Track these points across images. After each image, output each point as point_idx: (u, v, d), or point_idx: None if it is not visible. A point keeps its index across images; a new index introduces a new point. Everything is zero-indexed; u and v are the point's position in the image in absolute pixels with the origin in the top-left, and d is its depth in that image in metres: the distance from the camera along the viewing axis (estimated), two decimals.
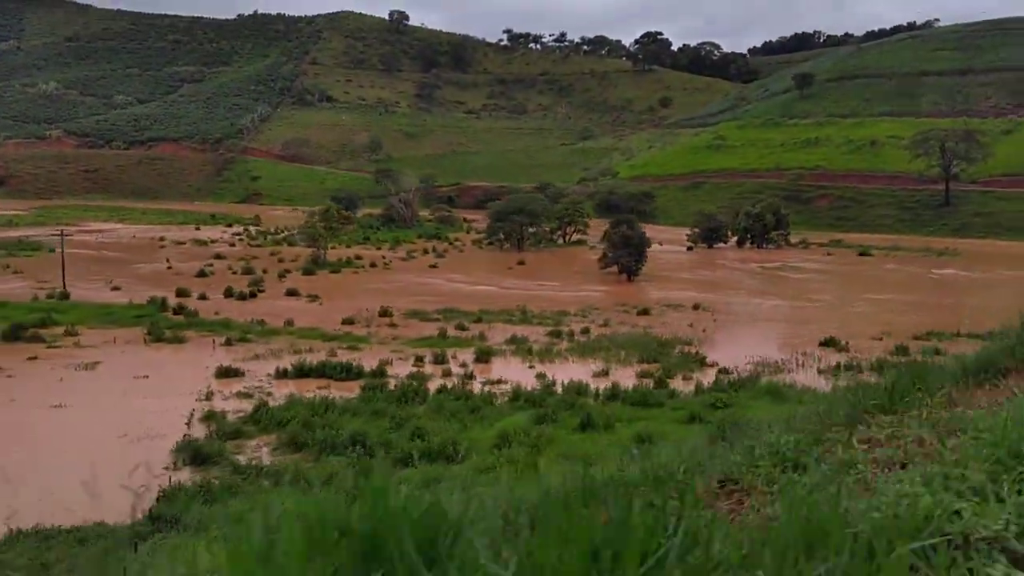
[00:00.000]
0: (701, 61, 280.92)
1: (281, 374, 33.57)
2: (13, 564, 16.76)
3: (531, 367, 35.65)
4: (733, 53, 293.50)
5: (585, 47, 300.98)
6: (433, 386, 31.49)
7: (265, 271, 65.66)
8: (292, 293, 55.42)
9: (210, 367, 34.70)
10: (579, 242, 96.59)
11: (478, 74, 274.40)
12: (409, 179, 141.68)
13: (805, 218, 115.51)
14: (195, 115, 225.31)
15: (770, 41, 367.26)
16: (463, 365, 35.72)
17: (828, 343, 40.36)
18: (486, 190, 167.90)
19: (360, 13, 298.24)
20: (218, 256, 75.96)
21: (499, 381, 32.66)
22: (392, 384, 31.41)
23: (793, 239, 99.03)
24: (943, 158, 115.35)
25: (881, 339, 41.89)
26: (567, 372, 33.91)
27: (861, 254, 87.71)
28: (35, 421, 27.27)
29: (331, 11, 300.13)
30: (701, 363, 36.25)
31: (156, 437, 26.26)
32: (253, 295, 53.99)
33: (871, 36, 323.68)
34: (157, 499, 20.28)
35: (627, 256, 62.89)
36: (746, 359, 36.35)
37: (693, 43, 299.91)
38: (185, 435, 26.26)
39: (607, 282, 65.40)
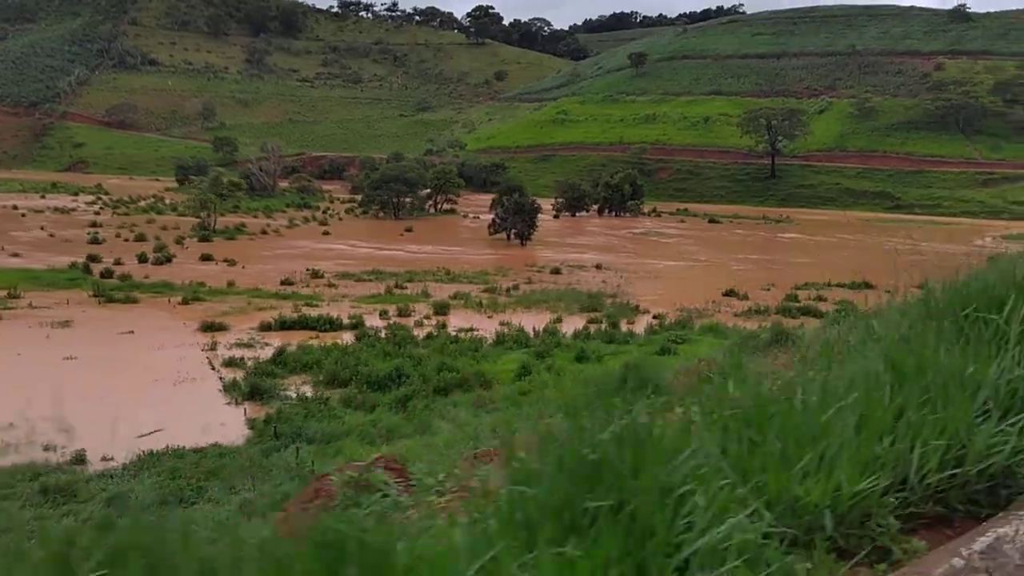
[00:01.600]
0: (532, 36, 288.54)
1: (266, 327, 35.44)
2: (183, 471, 18.93)
3: (489, 317, 39.25)
4: (563, 31, 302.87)
5: (417, 17, 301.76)
6: (417, 333, 34.53)
7: (157, 238, 64.90)
8: (206, 258, 55.82)
9: (187, 324, 36.03)
10: (450, 211, 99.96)
11: (310, 41, 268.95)
12: (261, 149, 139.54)
13: (648, 189, 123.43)
14: (4, 76, 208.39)
15: (590, 19, 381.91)
16: (426, 317, 38.80)
17: (729, 293, 46.37)
18: (332, 160, 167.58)
19: None
20: (94, 224, 73.67)
21: (471, 329, 36.06)
22: (383, 333, 34.16)
23: (644, 208, 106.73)
24: (769, 135, 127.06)
25: (769, 289, 48.43)
26: (524, 320, 37.73)
27: (710, 221, 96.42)
28: (59, 372, 28.06)
29: None
30: (635, 310, 41.09)
31: (191, 380, 28.06)
32: (168, 260, 54.02)
33: (683, 18, 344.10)
34: (266, 421, 22.67)
35: (520, 222, 67.06)
36: (669, 307, 41.52)
37: (524, 19, 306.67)
38: (220, 377, 28.28)
39: (501, 247, 69.45)
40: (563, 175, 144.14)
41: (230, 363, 29.70)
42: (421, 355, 30.15)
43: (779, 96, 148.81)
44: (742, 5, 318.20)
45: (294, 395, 26.16)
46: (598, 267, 56.71)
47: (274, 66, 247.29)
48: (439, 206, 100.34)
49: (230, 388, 26.73)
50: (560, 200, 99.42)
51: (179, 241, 63.89)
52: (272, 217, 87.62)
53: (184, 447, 20.70)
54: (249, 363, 29.55)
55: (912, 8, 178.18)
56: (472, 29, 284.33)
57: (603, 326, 36.77)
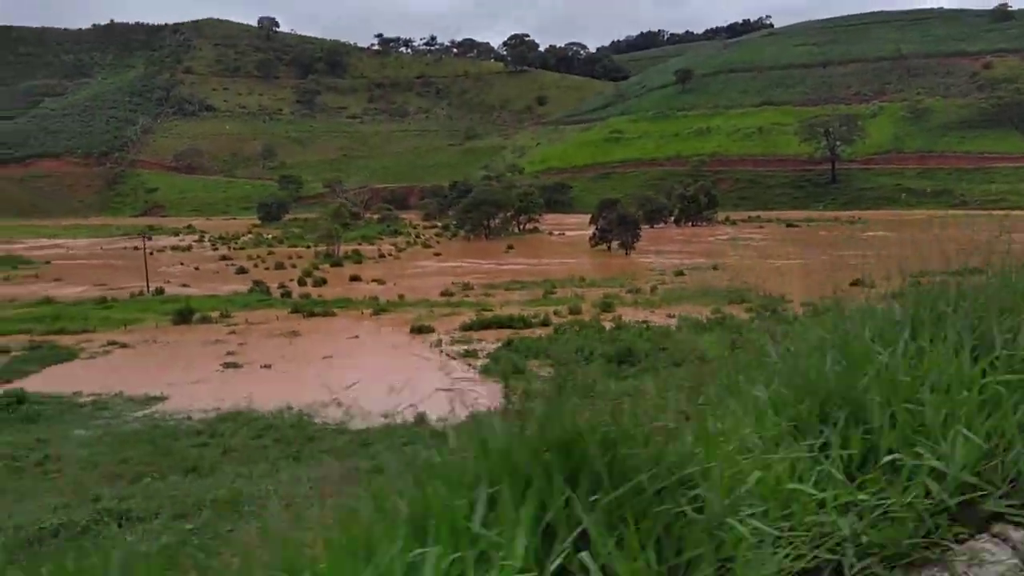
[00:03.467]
0: (570, 61, 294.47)
1: (467, 327, 40.25)
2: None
3: (652, 311, 43.73)
4: (598, 53, 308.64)
5: (455, 50, 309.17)
6: (607, 325, 39.13)
7: (294, 265, 70.39)
8: (355, 279, 60.96)
9: (394, 329, 40.94)
10: (533, 230, 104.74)
11: (355, 79, 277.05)
12: (323, 184, 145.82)
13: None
14: (72, 129, 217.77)
15: (618, 40, 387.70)
16: (597, 314, 43.34)
17: (856, 283, 50.30)
18: (393, 191, 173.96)
19: (226, 20, 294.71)
20: (224, 258, 79.51)
21: (645, 321, 40.57)
22: (576, 327, 38.81)
23: (718, 217, 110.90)
24: (827, 141, 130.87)
25: (888, 279, 52.32)
26: (684, 312, 42.17)
27: (788, 226, 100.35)
28: (334, 366, 32.98)
29: (195, 18, 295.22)
30: (781, 300, 45.29)
31: (446, 367, 32.82)
32: (324, 282, 59.23)
33: (710, 32, 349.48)
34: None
35: (625, 233, 71.66)
36: (806, 297, 45.66)
37: (559, 44, 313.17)
38: (468, 364, 33.04)
39: (608, 256, 74.14)
40: (624, 191, 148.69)
41: (466, 354, 34.46)
42: (629, 339, 34.68)
43: (829, 103, 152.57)
44: (769, 18, 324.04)
45: (544, 373, 30.76)
46: (715, 268, 61.03)
47: (324, 105, 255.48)
48: (522, 226, 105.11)
49: (486, 370, 31.45)
50: (639, 212, 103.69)
51: (315, 267, 69.14)
52: (374, 243, 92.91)
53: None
54: (481, 354, 34.28)
55: (954, 10, 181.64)
56: (509, 57, 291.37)
57: (762, 314, 41.02)
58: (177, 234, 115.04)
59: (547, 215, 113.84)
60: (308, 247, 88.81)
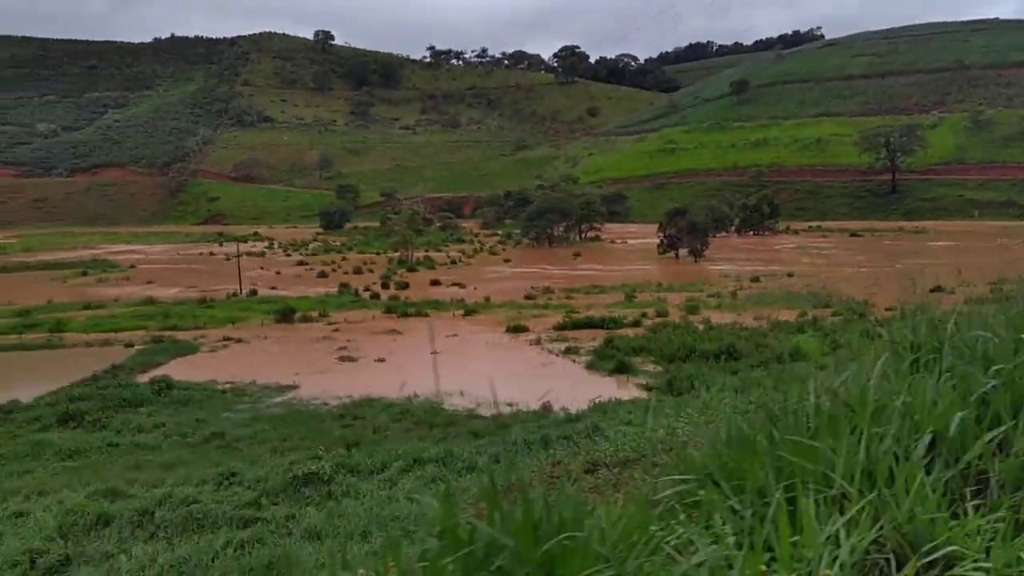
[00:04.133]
0: (620, 72, 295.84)
1: (561, 327, 41.83)
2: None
3: (739, 314, 44.88)
4: (649, 64, 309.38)
5: (506, 61, 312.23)
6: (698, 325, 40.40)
7: (370, 270, 72.64)
8: (435, 283, 62.93)
9: (489, 328, 42.63)
10: (595, 238, 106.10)
11: (408, 90, 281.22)
12: (380, 193, 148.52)
13: None
14: (135, 140, 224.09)
15: (666, 52, 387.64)
16: (684, 316, 44.62)
17: (936, 289, 50.97)
18: (447, 200, 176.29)
19: (284, 34, 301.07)
20: (301, 263, 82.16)
21: (734, 322, 41.77)
22: (670, 328, 40.17)
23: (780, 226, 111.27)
24: (888, 151, 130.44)
25: (964, 286, 52.84)
26: (776, 314, 43.25)
27: (852, 235, 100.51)
28: (442, 361, 34.73)
29: (253, 32, 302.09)
30: (865, 304, 46.16)
31: (550, 363, 34.38)
32: (407, 285, 61.26)
33: (760, 44, 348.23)
34: (669, 382, 28.71)
35: (695, 240, 72.79)
36: (886, 302, 46.38)
37: (611, 56, 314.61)
38: (574, 360, 34.54)
39: (677, 263, 75.31)
40: (680, 201, 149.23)
41: (567, 351, 36.01)
42: (728, 338, 35.96)
43: (888, 114, 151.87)
44: (820, 29, 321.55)
45: (649, 368, 32.22)
46: (790, 275, 61.89)
47: (377, 116, 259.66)
48: (584, 234, 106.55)
49: (592, 365, 32.96)
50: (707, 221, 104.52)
51: (393, 271, 71.27)
52: (440, 250, 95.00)
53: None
54: (582, 351, 35.80)
55: (1015, 20, 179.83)
56: (559, 69, 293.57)
57: (847, 318, 42.01)
58: (245, 240, 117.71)
59: (605, 224, 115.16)
60: (378, 253, 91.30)
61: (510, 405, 27.25)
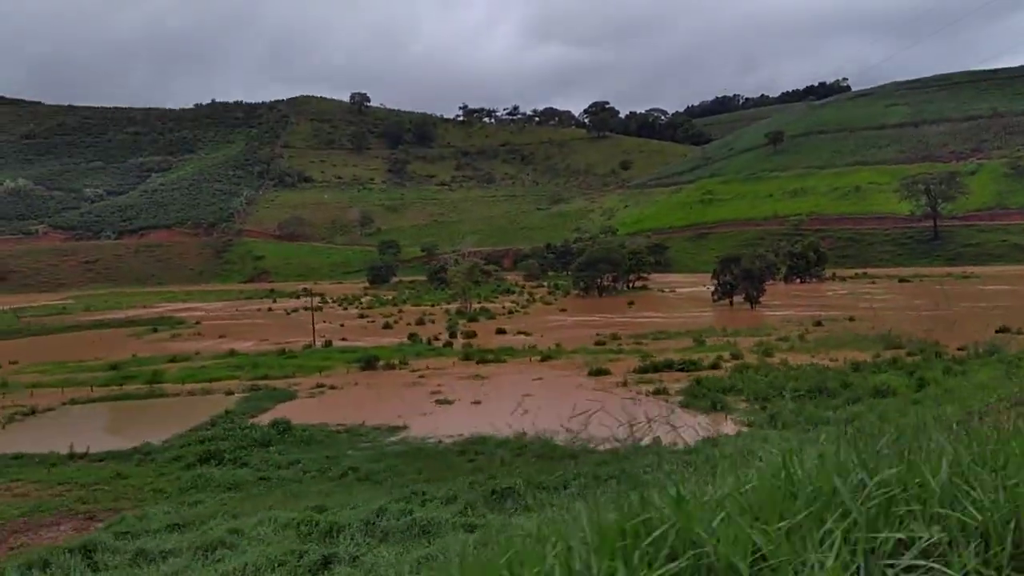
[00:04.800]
0: (651, 126, 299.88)
1: (642, 369, 43.12)
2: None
3: (812, 356, 45.96)
4: (677, 117, 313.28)
5: (537, 118, 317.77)
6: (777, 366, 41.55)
7: (432, 321, 74.46)
8: (501, 331, 64.51)
9: (570, 372, 44.02)
10: (643, 287, 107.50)
11: (442, 148, 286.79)
12: (421, 249, 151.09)
13: None
14: (180, 202, 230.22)
15: (692, 105, 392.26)
16: (760, 358, 45.75)
17: (1001, 330, 51.80)
18: (486, 254, 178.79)
19: (321, 97, 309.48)
20: (361, 315, 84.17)
21: (811, 363, 42.86)
22: (753, 369, 41.35)
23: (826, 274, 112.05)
24: (928, 198, 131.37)
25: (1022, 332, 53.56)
26: (849, 356, 44.27)
27: (900, 281, 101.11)
28: (535, 402, 36.13)
29: (291, 96, 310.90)
30: (936, 344, 47.06)
31: (642, 401, 35.60)
32: (474, 334, 62.88)
33: (786, 97, 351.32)
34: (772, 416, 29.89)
35: (751, 287, 74.01)
36: (953, 343, 47.23)
37: (640, 110, 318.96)
38: (665, 399, 35.76)
39: (732, 310, 76.43)
40: (722, 251, 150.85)
41: (656, 392, 37.29)
42: (815, 377, 37.10)
43: (925, 161, 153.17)
44: (846, 80, 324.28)
45: (742, 407, 33.42)
46: (850, 319, 62.82)
47: (413, 173, 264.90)
48: (631, 284, 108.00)
49: (685, 404, 34.22)
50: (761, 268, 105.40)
51: (456, 322, 73.00)
52: (493, 301, 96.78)
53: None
54: (671, 391, 37.08)
55: None
56: (589, 124, 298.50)
57: (916, 357, 42.95)
58: (297, 297, 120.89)
59: (651, 274, 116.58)
60: (432, 305, 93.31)
61: (617, 440, 28.52)
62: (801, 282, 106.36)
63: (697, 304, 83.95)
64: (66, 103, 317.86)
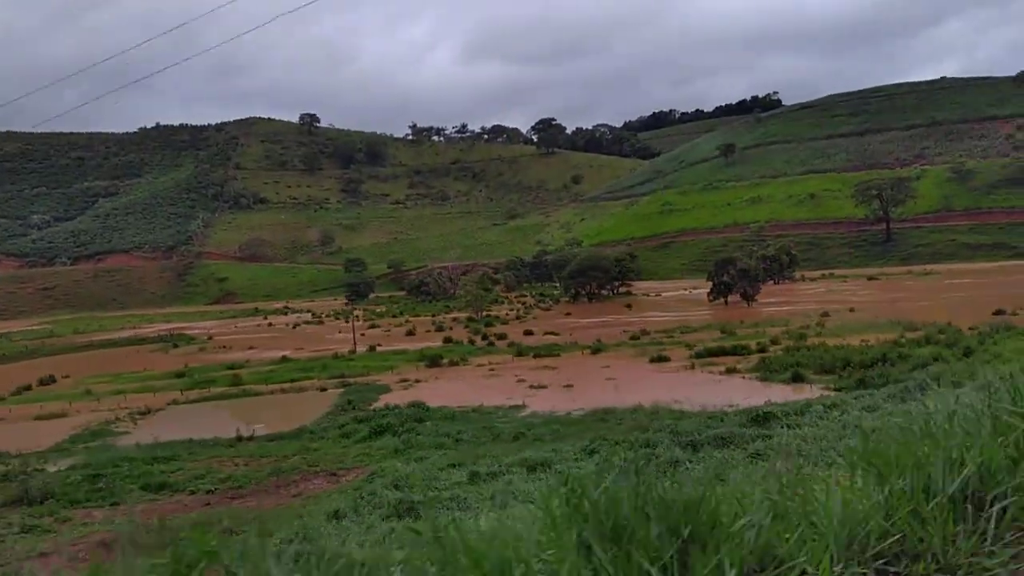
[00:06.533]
0: (597, 141, 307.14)
1: (698, 355, 47.40)
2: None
3: (843, 339, 50.78)
4: (623, 132, 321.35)
5: (485, 136, 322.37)
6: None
7: (450, 328, 77.81)
8: (528, 332, 68.26)
9: (630, 360, 48.08)
10: (627, 293, 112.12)
11: (395, 167, 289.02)
12: (388, 266, 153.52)
13: None
14: (136, 226, 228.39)
15: (630, 120, 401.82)
16: (796, 342, 50.39)
17: (998, 312, 57.50)
18: (452, 268, 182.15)
19: (270, 118, 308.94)
20: (374, 326, 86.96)
21: (847, 343, 47.65)
22: (805, 348, 45.93)
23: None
24: (881, 203, 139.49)
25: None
26: (877, 338, 49.22)
27: (869, 279, 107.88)
28: (623, 385, 39.99)
29: (238, 117, 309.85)
30: (948, 326, 52.29)
31: (720, 381, 39.83)
32: (506, 336, 66.50)
33: (720, 111, 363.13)
34: (859, 380, 34.27)
35: (747, 285, 79.19)
36: (967, 324, 52.55)
37: (586, 126, 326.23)
38: (743, 376, 40.02)
39: (729, 308, 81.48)
40: (687, 258, 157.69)
41: (729, 371, 41.55)
42: (867, 353, 41.76)
43: (872, 169, 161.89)
44: (776, 93, 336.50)
45: (815, 376, 37.85)
46: (851, 310, 68.26)
47: (368, 193, 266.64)
48: (615, 290, 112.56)
49: (768, 377, 38.55)
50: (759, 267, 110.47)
51: (479, 326, 76.36)
52: (489, 310, 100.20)
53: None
54: (741, 369, 41.39)
55: (979, 78, 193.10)
56: (536, 140, 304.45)
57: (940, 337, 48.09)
58: (286, 314, 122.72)
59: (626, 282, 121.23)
60: (433, 315, 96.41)
61: (730, 406, 32.61)
62: (775, 283, 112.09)
63: (690, 304, 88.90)
64: (3, 129, 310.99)
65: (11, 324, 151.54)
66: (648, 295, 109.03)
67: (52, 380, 56.23)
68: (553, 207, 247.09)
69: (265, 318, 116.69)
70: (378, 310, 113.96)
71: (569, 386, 41.04)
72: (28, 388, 53.38)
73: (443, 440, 28.91)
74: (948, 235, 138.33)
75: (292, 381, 48.31)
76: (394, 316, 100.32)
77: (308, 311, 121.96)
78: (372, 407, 37.74)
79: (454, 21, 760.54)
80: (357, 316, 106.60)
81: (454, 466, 21.54)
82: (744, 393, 34.95)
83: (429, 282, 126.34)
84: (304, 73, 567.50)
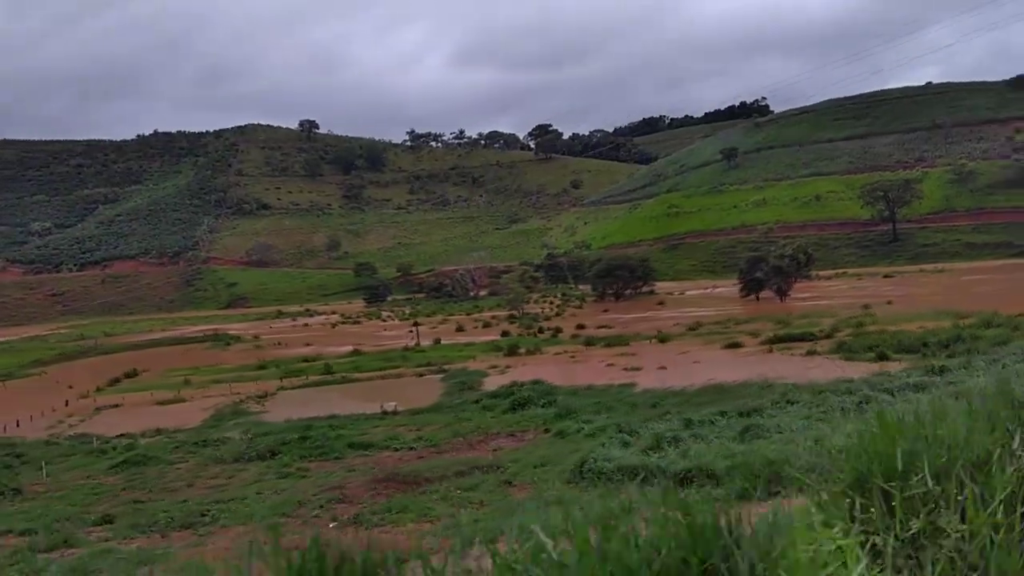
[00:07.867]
0: (594, 147, 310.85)
1: (767, 341, 50.19)
2: None
3: (899, 326, 53.72)
4: (621, 138, 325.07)
5: (483, 141, 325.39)
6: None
7: (495, 324, 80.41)
8: (580, 327, 70.96)
9: (698, 347, 50.87)
10: (650, 292, 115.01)
11: (394, 172, 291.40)
12: (396, 269, 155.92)
13: None
14: (140, 232, 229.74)
15: (620, 126, 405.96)
16: (856, 330, 53.25)
17: None
18: (476, 270, 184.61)
19: (269, 125, 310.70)
20: (416, 323, 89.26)
21: (901, 330, 50.59)
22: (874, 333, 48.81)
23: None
24: (888, 204, 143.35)
25: None
26: (932, 324, 52.18)
27: (885, 276, 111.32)
28: (710, 367, 42.65)
29: (236, 125, 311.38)
30: (996, 313, 55.20)
31: (803, 361, 42.59)
32: (561, 330, 69.18)
33: (710, 117, 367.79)
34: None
35: (781, 281, 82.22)
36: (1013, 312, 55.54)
37: (583, 132, 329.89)
38: (826, 357, 42.79)
39: (762, 304, 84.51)
40: (697, 259, 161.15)
41: (810, 353, 44.35)
42: (939, 335, 44.64)
43: (874, 171, 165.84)
44: (764, 100, 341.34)
45: (898, 357, 40.67)
46: (889, 302, 71.32)
47: (369, 198, 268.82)
48: (638, 290, 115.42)
49: (852, 358, 41.35)
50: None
51: (528, 322, 78.88)
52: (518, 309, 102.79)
53: None
54: (821, 353, 44.21)
55: (976, 82, 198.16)
56: (532, 146, 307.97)
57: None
58: (311, 316, 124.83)
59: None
60: (467, 313, 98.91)
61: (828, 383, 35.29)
62: (795, 282, 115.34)
63: (720, 301, 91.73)
64: (1, 138, 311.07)
65: (25, 329, 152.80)
66: (672, 294, 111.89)
67: (136, 374, 58.38)
68: (554, 211, 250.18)
69: (293, 320, 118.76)
70: (407, 311, 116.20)
71: (663, 368, 43.66)
72: (118, 380, 55.54)
73: (596, 407, 31.46)
74: (953, 235, 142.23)
75: (381, 370, 50.71)
76: (428, 316, 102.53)
77: (333, 312, 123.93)
78: (483, 388, 40.25)
79: (445, 27, 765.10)
80: (389, 316, 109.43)
81: (650, 420, 24.11)
82: (838, 370, 37.57)
83: (449, 283, 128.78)
84: (298, 79, 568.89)
